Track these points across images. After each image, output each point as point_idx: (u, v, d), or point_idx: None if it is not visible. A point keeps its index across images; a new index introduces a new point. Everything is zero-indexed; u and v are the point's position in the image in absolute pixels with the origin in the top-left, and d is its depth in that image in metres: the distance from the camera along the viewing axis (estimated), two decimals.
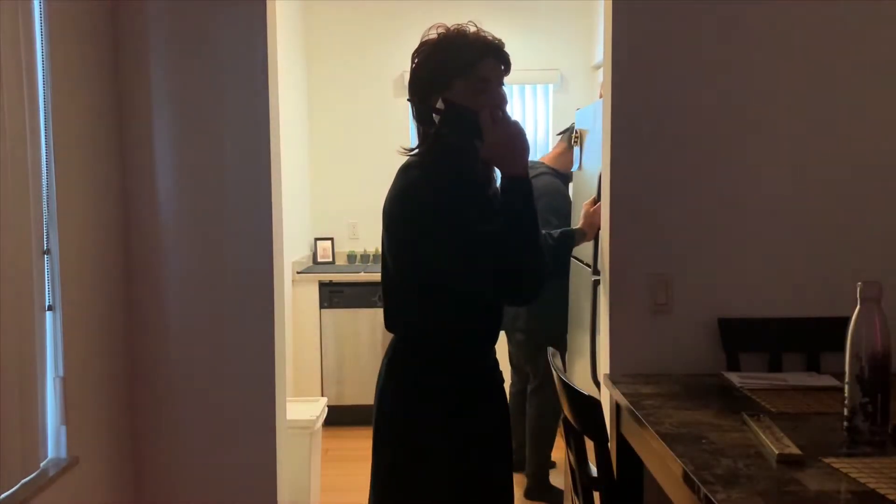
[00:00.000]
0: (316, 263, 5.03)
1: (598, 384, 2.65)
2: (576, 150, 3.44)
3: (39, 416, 1.92)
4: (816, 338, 2.23)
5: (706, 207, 2.26)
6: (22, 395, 1.82)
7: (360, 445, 3.98)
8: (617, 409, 2.11)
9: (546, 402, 3.43)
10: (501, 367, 1.85)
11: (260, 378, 2.44)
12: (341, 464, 3.96)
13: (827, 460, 1.45)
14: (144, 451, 2.47)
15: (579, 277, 3.24)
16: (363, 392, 4.40)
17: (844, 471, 1.40)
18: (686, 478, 1.43)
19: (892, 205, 2.27)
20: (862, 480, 1.35)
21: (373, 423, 1.79)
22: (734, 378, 2.07)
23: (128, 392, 2.43)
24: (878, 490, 1.31)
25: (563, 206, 3.40)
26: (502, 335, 3.43)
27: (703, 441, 1.58)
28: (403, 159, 1.78)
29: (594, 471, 1.75)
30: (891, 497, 1.28)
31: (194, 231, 2.42)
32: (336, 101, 5.06)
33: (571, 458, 1.85)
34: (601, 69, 3.39)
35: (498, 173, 1.77)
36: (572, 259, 3.37)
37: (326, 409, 3.42)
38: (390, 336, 1.81)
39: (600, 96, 2.62)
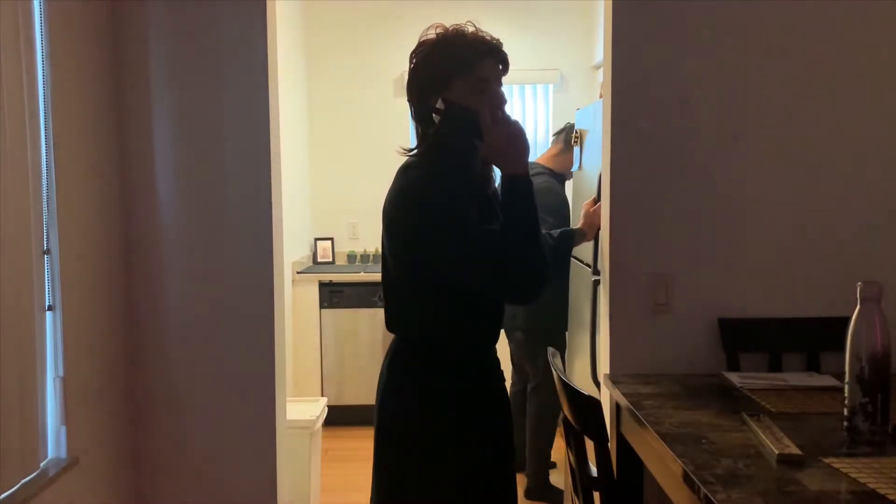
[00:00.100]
0: (316, 263, 5.03)
1: (598, 384, 2.65)
2: (576, 150, 3.45)
3: (39, 416, 1.92)
4: (816, 338, 2.23)
5: (706, 207, 2.26)
6: (22, 395, 1.82)
7: (360, 445, 3.99)
8: (617, 409, 2.11)
9: (545, 401, 3.44)
10: (502, 367, 1.85)
11: (260, 378, 2.44)
12: (341, 464, 3.96)
13: (827, 460, 1.45)
14: (144, 451, 2.47)
15: (579, 277, 3.25)
16: (363, 392, 4.40)
17: (844, 471, 1.40)
18: (686, 478, 1.43)
19: (892, 205, 2.27)
20: (862, 480, 1.35)
21: (374, 423, 1.79)
22: (734, 378, 2.07)
23: (128, 392, 2.43)
24: (878, 490, 1.31)
25: (559, 206, 3.41)
26: (502, 335, 3.44)
27: (703, 441, 1.58)
28: (403, 159, 1.78)
29: (594, 471, 1.75)
30: (891, 497, 1.28)
31: (194, 231, 2.42)
32: (336, 101, 5.06)
33: (571, 458, 1.85)
34: (601, 69, 3.39)
35: (497, 173, 1.77)
36: (572, 259, 3.37)
37: (326, 409, 3.42)
38: (390, 336, 1.81)
39: (600, 96, 2.62)
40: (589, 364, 2.88)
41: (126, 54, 2.38)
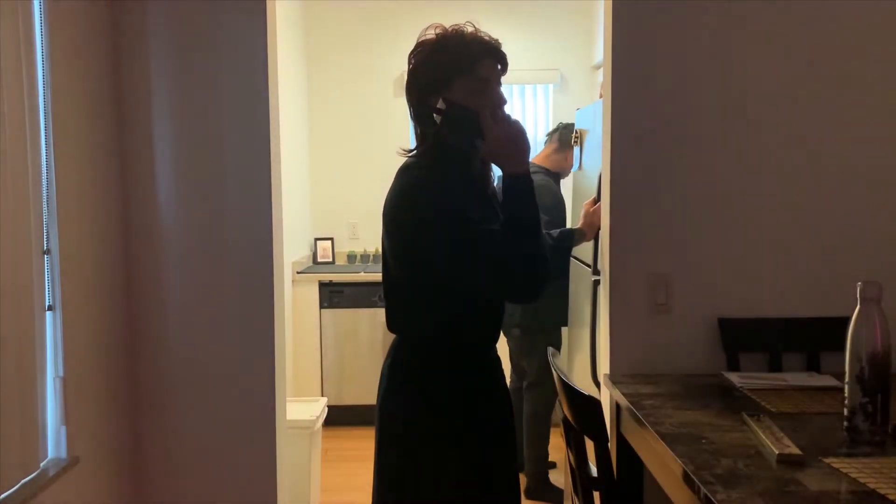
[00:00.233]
0: (316, 263, 5.03)
1: (598, 384, 2.66)
2: (576, 150, 3.46)
3: (39, 416, 1.92)
4: (816, 338, 2.23)
5: (706, 207, 2.26)
6: (22, 395, 1.82)
7: (360, 445, 4.00)
8: (617, 409, 2.11)
9: (540, 398, 3.47)
10: (502, 366, 1.85)
11: (260, 378, 2.44)
12: (341, 464, 3.96)
13: (827, 460, 1.45)
14: (144, 451, 2.46)
15: (579, 277, 3.25)
16: (363, 392, 4.40)
17: (844, 471, 1.40)
18: (686, 478, 1.43)
19: (892, 205, 2.27)
20: (862, 480, 1.35)
21: (375, 424, 1.79)
22: (734, 378, 2.07)
23: (128, 392, 2.43)
24: (878, 490, 1.31)
25: (554, 204, 3.43)
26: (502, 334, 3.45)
27: (703, 441, 1.58)
28: (403, 160, 1.78)
29: (594, 471, 1.75)
30: (891, 497, 1.28)
31: (194, 231, 2.42)
32: (336, 101, 5.06)
33: (571, 458, 1.85)
34: (601, 69, 3.40)
35: (497, 172, 1.77)
36: (572, 259, 3.37)
37: (326, 409, 3.42)
38: (390, 336, 1.81)
39: (600, 96, 2.62)
40: (589, 364, 2.88)
41: (126, 54, 2.37)
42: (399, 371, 1.76)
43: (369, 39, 5.02)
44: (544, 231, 2.94)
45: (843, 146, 2.26)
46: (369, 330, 4.56)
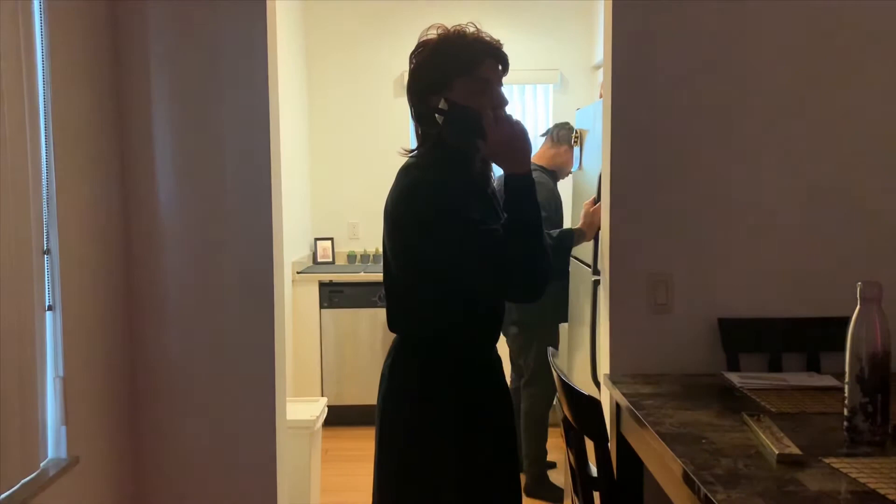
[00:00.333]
0: (316, 263, 5.03)
1: (598, 384, 2.66)
2: (576, 150, 3.47)
3: (39, 416, 1.92)
4: (816, 338, 2.23)
5: (706, 207, 2.26)
6: (22, 395, 1.82)
7: (360, 445, 4.00)
8: (617, 409, 2.11)
9: (537, 395, 3.49)
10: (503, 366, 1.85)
11: (260, 378, 2.44)
12: (341, 464, 3.96)
13: (827, 460, 1.45)
14: (145, 451, 2.46)
15: (579, 277, 3.25)
16: (363, 392, 4.40)
17: (844, 471, 1.40)
18: (686, 478, 1.43)
19: (892, 205, 2.27)
20: (862, 480, 1.35)
21: (376, 424, 1.79)
22: (734, 378, 2.06)
23: (128, 392, 2.43)
24: (878, 490, 1.31)
25: (549, 200, 3.45)
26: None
27: (703, 441, 1.58)
28: (404, 159, 1.78)
29: (594, 471, 1.75)
30: (891, 497, 1.28)
31: (194, 231, 2.42)
32: (336, 101, 5.06)
33: (571, 458, 1.85)
34: (601, 69, 3.40)
35: (497, 171, 1.78)
36: (572, 259, 3.38)
37: (326, 409, 3.42)
38: (390, 336, 1.81)
39: (600, 96, 2.63)
40: (589, 364, 2.88)
41: (126, 54, 2.37)
42: (400, 371, 1.76)
43: (369, 39, 5.02)
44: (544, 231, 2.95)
45: (844, 146, 2.26)
46: (369, 330, 4.56)
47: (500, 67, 1.72)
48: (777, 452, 1.45)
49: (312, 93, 5.04)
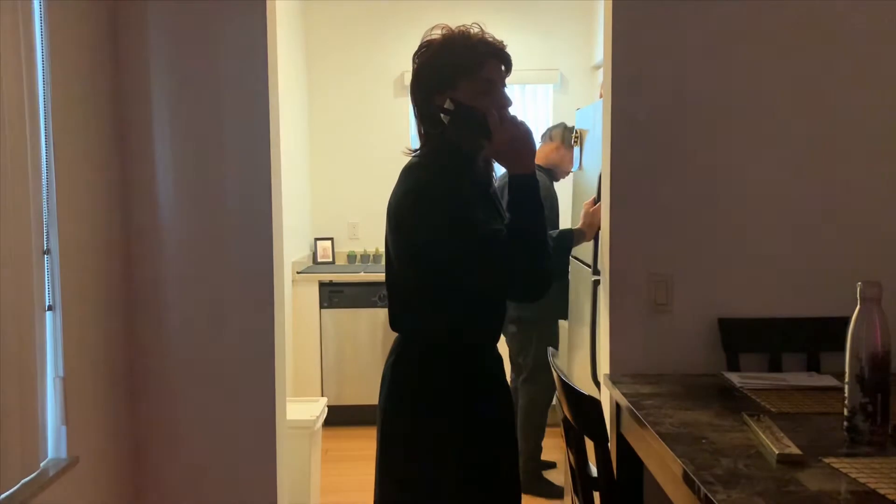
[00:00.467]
0: (316, 263, 5.03)
1: (598, 384, 2.66)
2: (576, 150, 3.47)
3: (39, 416, 1.92)
4: (816, 338, 2.23)
5: (706, 207, 2.26)
6: (22, 395, 1.82)
7: (360, 445, 4.00)
8: (617, 409, 2.11)
9: (534, 393, 3.49)
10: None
11: (260, 378, 2.44)
12: (341, 464, 3.96)
13: (827, 460, 1.45)
14: (144, 451, 2.46)
15: (579, 277, 3.25)
16: (363, 392, 4.40)
17: (844, 471, 1.40)
18: (686, 478, 1.43)
19: (892, 205, 2.27)
20: (862, 480, 1.35)
21: (377, 423, 1.79)
22: (734, 378, 2.07)
23: (128, 392, 2.43)
24: (878, 490, 1.31)
25: (546, 200, 3.45)
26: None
27: (703, 441, 1.58)
28: (404, 159, 1.78)
29: (594, 471, 1.75)
30: (891, 497, 1.28)
31: (194, 231, 2.42)
32: (336, 101, 5.06)
33: (571, 458, 1.85)
34: (601, 69, 3.40)
35: (499, 171, 1.78)
36: (572, 259, 3.38)
37: (326, 409, 3.42)
38: (390, 336, 1.81)
39: (600, 96, 2.63)
40: (589, 364, 2.88)
41: (126, 54, 2.37)
42: (401, 370, 1.76)
43: (369, 39, 5.02)
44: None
45: (844, 146, 2.26)
46: (369, 330, 4.56)
47: (503, 68, 1.72)
48: (777, 452, 1.46)
49: (312, 93, 5.04)
